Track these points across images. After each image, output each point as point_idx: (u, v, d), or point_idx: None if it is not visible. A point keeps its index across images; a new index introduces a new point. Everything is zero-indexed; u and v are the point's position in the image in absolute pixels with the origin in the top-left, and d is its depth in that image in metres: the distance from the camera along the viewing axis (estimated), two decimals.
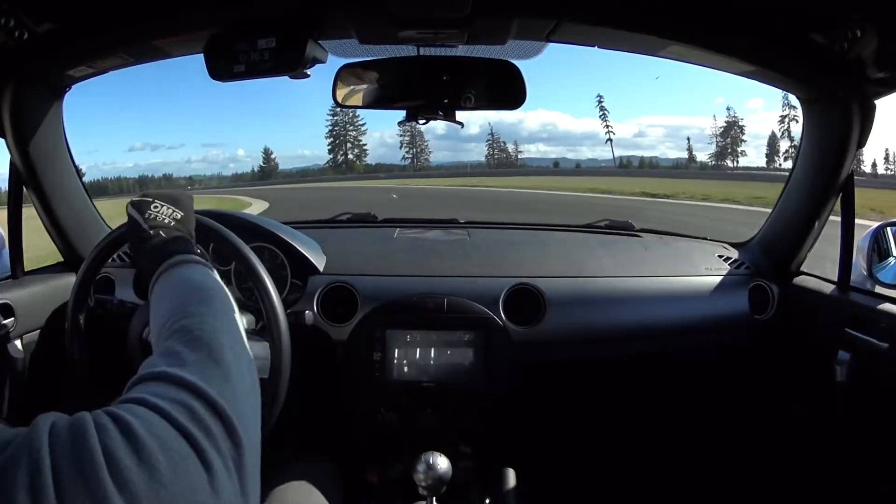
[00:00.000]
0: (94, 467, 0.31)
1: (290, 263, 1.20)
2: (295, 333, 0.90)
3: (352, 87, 1.03)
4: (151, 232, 0.69)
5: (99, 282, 1.19)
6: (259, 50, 0.92)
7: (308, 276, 1.20)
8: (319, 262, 1.22)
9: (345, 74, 1.02)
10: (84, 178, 1.27)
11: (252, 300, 0.99)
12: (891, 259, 1.18)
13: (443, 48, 1.01)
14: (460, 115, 1.05)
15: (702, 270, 1.29)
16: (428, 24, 0.93)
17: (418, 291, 1.17)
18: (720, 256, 1.34)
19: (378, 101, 1.04)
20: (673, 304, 1.22)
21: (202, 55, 0.95)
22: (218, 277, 0.63)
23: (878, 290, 1.09)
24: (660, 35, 0.97)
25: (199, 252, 0.68)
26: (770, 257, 1.30)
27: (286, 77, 0.94)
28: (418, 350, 1.15)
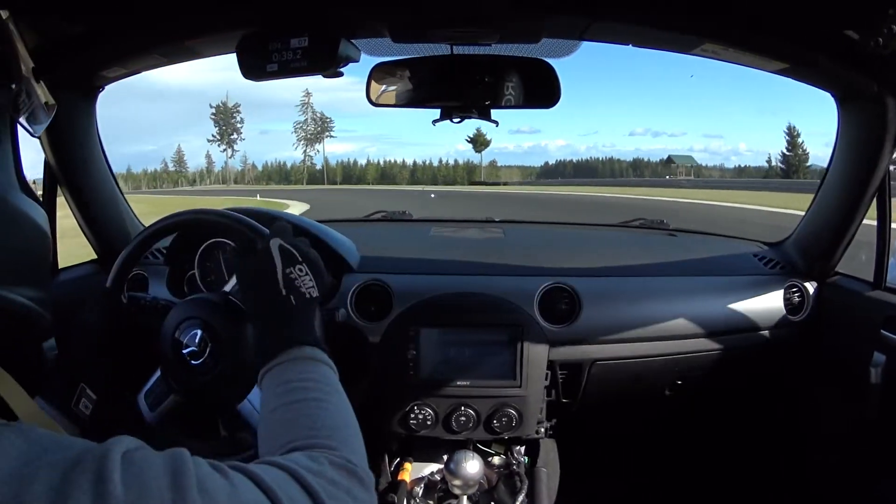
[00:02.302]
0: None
1: (324, 261, 1.19)
2: (328, 331, 0.90)
3: (386, 86, 1.03)
4: (284, 291, 0.64)
5: (132, 279, 1.20)
6: (292, 49, 0.92)
7: (342, 273, 1.19)
8: (353, 259, 1.21)
9: (378, 73, 1.02)
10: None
11: None
12: None
13: (476, 47, 1.01)
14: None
15: (736, 270, 1.28)
16: (461, 22, 0.93)
17: (453, 290, 1.17)
18: (755, 255, 1.33)
19: (413, 101, 1.04)
20: (708, 303, 1.21)
21: (234, 55, 0.96)
22: (338, 380, 0.61)
23: None
24: (694, 33, 0.96)
25: (324, 347, 0.63)
26: (805, 257, 1.28)
27: None
28: (453, 349, 1.14)
